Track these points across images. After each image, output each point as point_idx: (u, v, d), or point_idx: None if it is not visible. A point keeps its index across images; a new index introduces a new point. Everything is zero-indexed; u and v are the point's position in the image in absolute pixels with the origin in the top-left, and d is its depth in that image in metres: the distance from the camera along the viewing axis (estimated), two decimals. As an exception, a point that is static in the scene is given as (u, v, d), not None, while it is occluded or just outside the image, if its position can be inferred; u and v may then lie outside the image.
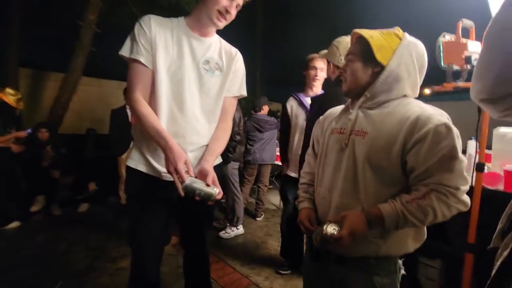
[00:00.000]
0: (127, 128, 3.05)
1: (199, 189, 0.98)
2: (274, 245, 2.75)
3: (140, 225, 1.17)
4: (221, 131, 1.23)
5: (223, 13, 1.08)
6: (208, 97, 1.17)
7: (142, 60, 1.05)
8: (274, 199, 4.30)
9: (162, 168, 1.11)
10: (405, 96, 0.88)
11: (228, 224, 2.94)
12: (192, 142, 1.15)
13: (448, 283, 1.97)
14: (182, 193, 0.99)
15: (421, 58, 0.89)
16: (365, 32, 0.89)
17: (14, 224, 2.84)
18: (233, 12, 1.11)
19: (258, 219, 3.43)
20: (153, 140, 1.06)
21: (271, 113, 9.89)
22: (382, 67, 0.87)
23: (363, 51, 0.89)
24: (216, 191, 1.01)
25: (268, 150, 3.42)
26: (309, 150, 1.15)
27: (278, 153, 4.04)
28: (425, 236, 0.92)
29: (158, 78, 1.07)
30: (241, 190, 3.19)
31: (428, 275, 2.02)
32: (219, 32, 1.22)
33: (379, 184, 0.85)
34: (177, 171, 0.98)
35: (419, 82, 0.91)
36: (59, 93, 4.21)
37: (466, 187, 0.78)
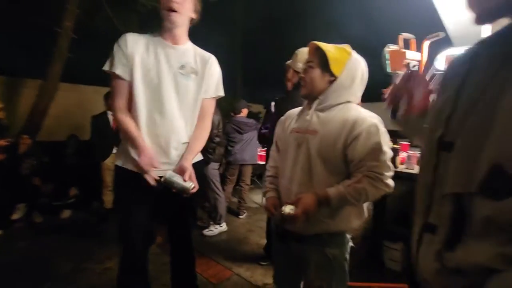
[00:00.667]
0: (109, 134, 3.11)
1: (176, 183, 1.14)
2: (255, 240, 2.91)
3: (126, 211, 1.33)
4: (200, 130, 1.38)
5: (169, 8, 1.20)
6: (185, 99, 1.30)
7: (117, 72, 1.21)
8: (256, 197, 4.47)
9: None
10: (348, 102, 1.08)
11: (211, 222, 3.07)
12: (174, 140, 1.29)
13: (408, 262, 2.22)
14: (152, 183, 1.18)
15: (364, 72, 1.10)
16: (323, 46, 1.07)
17: (-5, 233, 2.82)
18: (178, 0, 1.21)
19: (240, 217, 3.57)
20: (132, 143, 1.23)
21: (252, 114, 10.04)
22: (335, 77, 1.06)
23: (321, 62, 1.07)
24: (191, 185, 1.17)
25: (249, 151, 3.58)
26: (273, 146, 1.32)
27: (260, 153, 4.23)
28: (366, 215, 1.12)
29: (135, 86, 1.22)
30: (224, 190, 3.33)
31: (392, 257, 2.26)
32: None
33: (328, 174, 1.04)
34: (143, 171, 1.18)
35: (361, 91, 1.12)
36: (37, 100, 4.16)
37: (390, 173, 1.00)
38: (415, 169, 2.05)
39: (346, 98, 1.08)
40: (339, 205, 1.00)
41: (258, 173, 5.01)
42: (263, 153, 4.23)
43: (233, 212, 3.70)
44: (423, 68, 1.62)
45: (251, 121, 3.70)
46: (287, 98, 1.96)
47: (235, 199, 3.92)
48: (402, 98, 0.72)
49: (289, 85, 2.28)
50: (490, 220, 0.44)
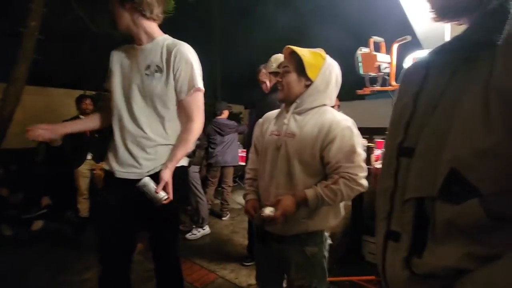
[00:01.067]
0: (83, 140, 2.98)
1: (148, 192, 1.12)
2: (239, 241, 2.92)
3: (105, 217, 1.33)
4: (185, 134, 1.25)
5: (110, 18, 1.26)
6: (152, 100, 1.22)
7: (106, 86, 1.32)
8: (239, 198, 4.47)
9: (116, 166, 1.25)
10: (324, 105, 1.13)
11: (193, 226, 3.04)
12: (141, 145, 1.23)
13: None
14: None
15: (338, 76, 1.15)
16: (299, 50, 1.10)
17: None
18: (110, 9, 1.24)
19: (224, 218, 3.56)
20: None
21: (233, 115, 9.99)
22: (310, 82, 1.10)
23: (297, 66, 1.10)
24: (162, 196, 1.15)
25: (230, 152, 3.57)
26: (252, 149, 1.34)
27: (241, 154, 4.23)
28: (342, 214, 1.17)
29: (112, 96, 1.28)
30: (206, 192, 3.31)
31: (371, 250, 2.36)
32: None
33: (306, 175, 1.07)
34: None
35: (336, 94, 1.16)
36: (1, 105, 3.89)
37: (363, 174, 1.05)
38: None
39: (321, 101, 1.12)
40: (317, 205, 1.03)
41: (240, 173, 5.02)
42: (244, 154, 4.26)
43: (216, 214, 3.69)
44: (393, 69, 1.71)
45: (232, 122, 3.70)
46: (264, 100, 1.99)
47: (217, 201, 3.90)
48: None
49: (264, 87, 2.32)
50: (452, 223, 0.44)
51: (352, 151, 1.03)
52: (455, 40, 0.52)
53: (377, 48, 1.68)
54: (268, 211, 1.00)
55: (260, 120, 1.31)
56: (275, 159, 1.12)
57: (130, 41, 1.32)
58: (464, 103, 0.45)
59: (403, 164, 0.54)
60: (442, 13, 0.53)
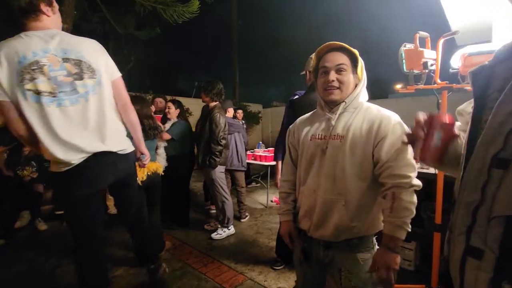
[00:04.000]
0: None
1: None
2: (264, 242, 2.88)
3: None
4: None
5: None
6: None
7: None
8: (261, 198, 4.44)
9: None
10: (361, 102, 1.09)
11: (219, 226, 3.03)
12: None
13: (421, 261, 2.21)
14: None
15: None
16: (351, 48, 1.05)
17: (-1, 242, 2.75)
18: None
19: (242, 220, 3.48)
20: None
21: (251, 115, 9.96)
22: (359, 80, 1.08)
23: (352, 65, 1.05)
24: None
25: (235, 155, 3.42)
26: (287, 159, 1.28)
27: (263, 154, 4.19)
28: None
29: None
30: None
31: (405, 256, 2.25)
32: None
33: (355, 179, 1.02)
34: None
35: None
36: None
37: (415, 173, 0.98)
38: (431, 169, 2.03)
39: (363, 99, 1.10)
40: (407, 229, 0.96)
41: (262, 172, 4.98)
42: (267, 154, 4.21)
43: (235, 216, 3.59)
44: (438, 66, 1.60)
45: (237, 122, 3.64)
46: (304, 99, 1.92)
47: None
48: (417, 142, 0.67)
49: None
50: None
51: (403, 148, 0.97)
52: None
53: (422, 44, 1.58)
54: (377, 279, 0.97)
55: (292, 126, 1.27)
56: (320, 164, 1.07)
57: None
58: None
59: (496, 176, 0.49)
60: None
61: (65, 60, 1.28)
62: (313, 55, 1.79)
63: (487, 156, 0.52)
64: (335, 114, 1.07)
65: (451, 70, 1.58)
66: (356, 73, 1.06)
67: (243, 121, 4.81)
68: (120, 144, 1.48)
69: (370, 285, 1.07)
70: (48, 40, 1.26)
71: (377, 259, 0.96)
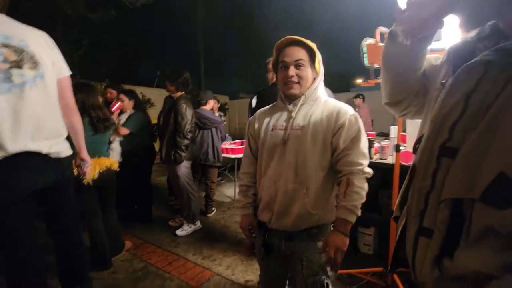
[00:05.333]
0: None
1: None
2: (232, 235, 2.86)
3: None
4: None
5: None
6: None
7: None
8: (229, 191, 4.39)
9: None
10: (319, 95, 1.13)
11: (184, 222, 2.93)
12: None
13: (379, 246, 2.37)
14: None
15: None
16: (308, 42, 1.07)
17: None
18: None
19: (209, 215, 3.39)
20: None
21: (219, 106, 9.72)
22: (317, 74, 1.12)
23: (310, 59, 1.09)
24: None
25: (211, 150, 3.26)
26: (247, 151, 1.28)
27: (230, 147, 4.12)
28: None
29: None
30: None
31: (365, 241, 2.39)
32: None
33: (318, 167, 1.07)
34: None
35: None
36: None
37: (367, 161, 1.07)
38: (388, 159, 2.15)
39: (321, 92, 1.14)
40: (358, 214, 1.03)
41: (229, 165, 4.92)
42: (234, 146, 4.15)
43: (201, 211, 3.43)
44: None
45: (216, 117, 3.44)
46: (271, 91, 1.89)
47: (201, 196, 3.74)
48: (408, 12, 0.60)
49: (270, 76, 2.23)
50: (491, 228, 0.44)
51: (358, 138, 1.05)
52: None
53: (383, 39, 1.63)
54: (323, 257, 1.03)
55: (252, 118, 1.27)
56: (282, 154, 1.09)
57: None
58: None
59: (444, 164, 0.53)
60: (473, 21, 0.55)
61: (4, 45, 1.16)
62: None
63: (435, 145, 0.56)
64: (296, 106, 1.11)
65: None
66: (314, 67, 1.10)
67: (221, 114, 4.65)
68: (53, 146, 1.32)
69: (328, 270, 1.12)
70: None
71: (328, 240, 1.01)
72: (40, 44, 1.29)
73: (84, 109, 1.99)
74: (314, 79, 1.12)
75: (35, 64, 1.24)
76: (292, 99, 1.12)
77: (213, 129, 3.33)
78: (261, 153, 1.17)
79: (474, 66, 0.54)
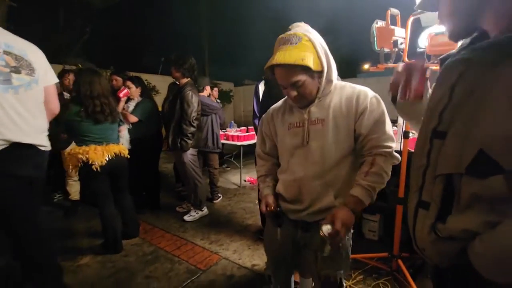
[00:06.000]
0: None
1: None
2: (238, 221, 2.91)
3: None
4: None
5: None
6: None
7: None
8: (234, 178, 4.44)
9: None
10: (333, 85, 1.04)
11: (191, 208, 2.98)
12: None
13: (384, 232, 2.39)
14: None
15: (322, 40, 0.98)
16: (294, 60, 0.92)
17: None
18: None
19: (215, 201, 3.45)
20: None
21: (223, 93, 9.69)
22: (321, 71, 0.97)
23: (307, 71, 0.95)
24: None
25: (210, 137, 3.26)
26: (259, 148, 1.25)
27: (237, 134, 4.13)
28: None
29: None
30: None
31: (370, 228, 2.41)
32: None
33: (342, 157, 1.02)
34: None
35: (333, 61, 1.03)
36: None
37: (395, 144, 1.00)
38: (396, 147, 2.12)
39: (333, 79, 1.03)
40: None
41: (235, 152, 4.95)
42: (239, 133, 4.15)
43: (207, 197, 3.46)
44: (407, 45, 1.62)
45: (215, 104, 3.42)
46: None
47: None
48: (400, 85, 0.78)
49: None
50: (475, 195, 0.53)
51: (382, 121, 0.99)
52: (492, 43, 0.58)
53: (393, 21, 1.58)
54: (326, 229, 0.91)
55: (265, 116, 1.22)
56: (304, 152, 1.05)
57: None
58: (492, 96, 0.52)
59: (436, 145, 0.62)
60: (457, 34, 0.66)
61: (7, 53, 1.32)
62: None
63: (428, 130, 0.65)
64: (309, 106, 1.05)
65: (418, 50, 1.60)
66: (316, 72, 0.97)
67: (219, 100, 4.64)
68: (41, 140, 1.50)
69: (345, 266, 1.10)
70: None
71: (338, 213, 0.93)
72: (35, 54, 1.47)
73: (79, 97, 2.00)
74: (320, 76, 0.99)
75: (31, 71, 1.42)
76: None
77: (213, 116, 3.31)
78: (281, 152, 1.14)
79: (456, 63, 0.63)
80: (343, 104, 1.01)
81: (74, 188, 3.06)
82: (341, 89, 1.04)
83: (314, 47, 0.95)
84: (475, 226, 0.53)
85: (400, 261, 1.85)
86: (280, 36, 0.98)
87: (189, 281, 1.92)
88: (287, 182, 1.10)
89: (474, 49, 0.61)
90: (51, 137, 1.61)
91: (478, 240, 0.52)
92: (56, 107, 1.64)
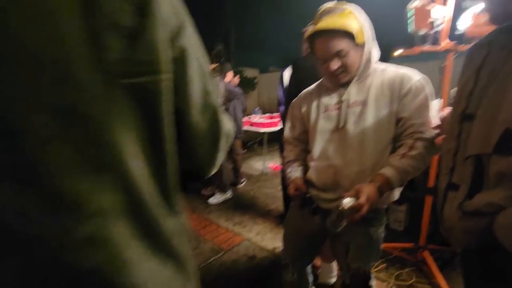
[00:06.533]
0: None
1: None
2: (261, 206, 2.97)
3: None
4: None
5: None
6: None
7: None
8: (258, 164, 4.49)
9: None
10: (374, 66, 0.99)
11: (216, 191, 3.09)
12: None
13: (410, 222, 2.32)
14: None
15: (367, 17, 0.96)
16: (340, 24, 0.89)
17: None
18: None
19: (239, 186, 3.53)
20: None
21: (247, 80, 9.65)
22: (362, 46, 0.95)
23: (351, 41, 0.92)
24: None
25: (233, 124, 3.27)
26: (288, 133, 1.20)
27: (260, 121, 4.14)
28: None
29: None
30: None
31: (397, 218, 2.35)
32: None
33: (382, 142, 0.96)
34: None
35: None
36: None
37: (436, 132, 0.93)
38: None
39: (374, 59, 0.99)
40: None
41: (259, 139, 4.99)
42: (264, 120, 4.16)
43: (231, 182, 3.50)
44: (447, 25, 1.50)
45: (237, 89, 3.42)
46: (305, 62, 1.78)
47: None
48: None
49: (306, 46, 2.14)
50: (502, 173, 0.55)
51: (426, 106, 0.92)
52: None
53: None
54: (346, 202, 0.83)
55: (296, 100, 1.18)
56: (340, 136, 0.99)
57: None
58: None
59: (465, 128, 0.64)
60: (500, 18, 0.64)
61: None
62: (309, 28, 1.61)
63: (456, 113, 0.67)
64: (350, 84, 0.99)
65: (456, 32, 1.49)
66: (359, 43, 0.93)
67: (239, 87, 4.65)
68: None
69: (375, 259, 1.08)
70: None
71: (364, 188, 0.87)
72: None
73: None
74: (364, 54, 0.95)
75: None
76: (342, 85, 1.01)
77: (235, 101, 3.33)
78: (313, 137, 1.08)
79: (479, 47, 0.65)
80: (385, 86, 0.95)
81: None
82: (383, 72, 0.98)
83: (358, 19, 0.92)
84: (499, 200, 0.55)
85: (426, 252, 1.80)
86: (322, 8, 0.95)
87: (212, 259, 2.03)
88: (320, 168, 1.04)
89: (498, 31, 0.64)
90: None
91: (502, 214, 0.54)
92: None
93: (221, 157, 0.53)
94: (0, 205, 0.30)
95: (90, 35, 0.30)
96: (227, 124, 0.52)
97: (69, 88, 0.30)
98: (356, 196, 0.85)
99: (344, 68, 0.95)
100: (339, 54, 0.93)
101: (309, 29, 2.15)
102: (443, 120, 0.89)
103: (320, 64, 0.99)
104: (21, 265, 0.32)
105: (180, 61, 0.38)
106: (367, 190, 0.85)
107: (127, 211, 0.36)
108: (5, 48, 0.28)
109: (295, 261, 1.28)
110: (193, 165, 0.50)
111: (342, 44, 0.91)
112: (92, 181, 0.33)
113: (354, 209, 0.84)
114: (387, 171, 0.89)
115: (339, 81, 0.98)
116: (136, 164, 0.36)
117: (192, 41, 0.41)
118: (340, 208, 0.83)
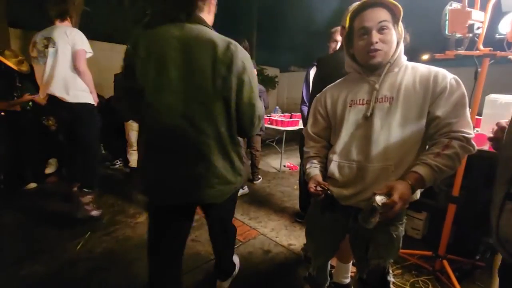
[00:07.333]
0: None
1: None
2: (276, 203, 3.00)
3: None
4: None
5: None
6: None
7: None
8: (275, 163, 4.52)
9: None
10: (403, 61, 0.99)
11: (233, 185, 3.14)
12: None
13: (429, 231, 2.27)
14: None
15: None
16: (392, 1, 0.91)
17: (32, 185, 2.99)
18: None
19: (255, 182, 3.57)
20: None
21: (268, 79, 9.66)
22: (400, 36, 0.95)
23: (393, 20, 0.92)
24: None
25: None
26: (310, 129, 1.18)
27: (279, 119, 4.16)
28: None
29: None
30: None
31: (414, 225, 2.30)
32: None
33: (409, 141, 0.93)
34: None
35: None
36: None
37: (473, 133, 0.90)
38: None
39: (405, 57, 1.00)
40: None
41: (277, 137, 5.00)
42: (283, 119, 4.18)
43: (248, 178, 3.60)
44: (484, 30, 1.46)
45: (260, 87, 3.47)
46: (331, 59, 1.80)
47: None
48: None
49: (334, 46, 2.15)
50: None
51: (462, 105, 0.89)
52: None
53: (471, 3, 1.43)
54: (379, 199, 0.82)
55: (320, 95, 1.16)
56: (365, 131, 0.98)
57: None
58: None
59: None
60: None
61: (45, 38, 2.12)
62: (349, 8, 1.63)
63: None
64: (380, 76, 0.97)
65: (497, 36, 1.44)
66: (398, 28, 0.94)
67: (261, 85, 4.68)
68: (62, 93, 2.15)
69: (394, 257, 1.08)
70: (45, 30, 2.17)
71: (397, 185, 0.84)
72: (60, 34, 2.12)
73: None
74: (398, 42, 0.96)
75: (53, 44, 2.11)
76: (374, 69, 0.98)
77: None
78: (338, 132, 1.06)
79: None
80: (417, 84, 0.92)
81: (133, 157, 3.44)
82: (414, 69, 0.96)
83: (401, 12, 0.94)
84: None
85: (445, 262, 1.76)
86: None
87: (229, 249, 2.08)
88: (343, 163, 1.03)
89: None
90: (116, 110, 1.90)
91: None
92: (82, 68, 2.16)
93: (257, 126, 1.10)
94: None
95: (213, 75, 0.94)
96: (260, 110, 1.08)
97: (202, 93, 0.96)
98: (389, 193, 0.84)
99: (383, 44, 0.93)
100: (382, 26, 0.92)
101: (337, 30, 2.13)
102: (501, 128, 0.80)
103: (358, 39, 0.97)
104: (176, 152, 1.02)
105: (240, 85, 0.99)
106: (400, 188, 0.84)
107: (216, 140, 1.01)
108: (190, 73, 0.96)
109: (317, 256, 1.30)
110: (242, 127, 1.07)
111: (386, 16, 0.92)
112: (208, 126, 0.99)
113: (387, 206, 0.82)
114: (421, 170, 0.86)
115: (374, 58, 0.95)
116: (221, 123, 1.01)
117: (248, 73, 1.00)
118: (373, 204, 0.82)
